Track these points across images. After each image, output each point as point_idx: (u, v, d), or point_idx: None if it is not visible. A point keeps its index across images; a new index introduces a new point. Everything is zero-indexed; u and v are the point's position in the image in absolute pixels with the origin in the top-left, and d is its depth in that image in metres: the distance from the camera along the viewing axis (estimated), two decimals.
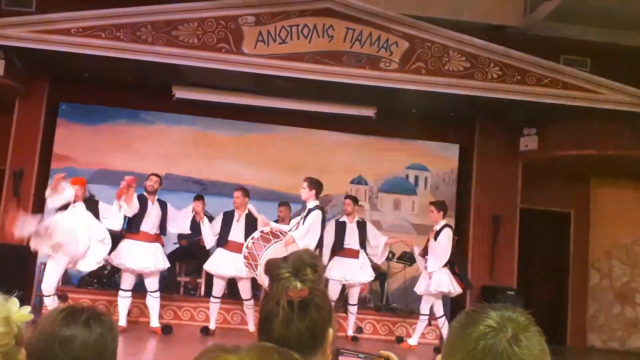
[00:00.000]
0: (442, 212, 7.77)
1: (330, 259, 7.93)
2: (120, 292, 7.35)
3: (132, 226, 7.31)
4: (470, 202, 9.84)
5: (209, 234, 7.57)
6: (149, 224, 7.33)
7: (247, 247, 6.78)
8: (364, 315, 8.67)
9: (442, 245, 7.63)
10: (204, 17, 8.33)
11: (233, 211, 7.73)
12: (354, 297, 8.08)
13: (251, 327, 7.67)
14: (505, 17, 9.56)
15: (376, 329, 8.65)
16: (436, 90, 8.69)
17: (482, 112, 9.68)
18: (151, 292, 7.41)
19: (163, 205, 7.52)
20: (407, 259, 9.14)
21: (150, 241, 7.34)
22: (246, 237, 7.32)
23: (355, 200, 8.41)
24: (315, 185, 7.22)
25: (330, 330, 1.50)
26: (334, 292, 7.77)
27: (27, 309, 1.18)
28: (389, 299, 9.18)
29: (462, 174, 10.17)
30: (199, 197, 8.45)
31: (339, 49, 8.59)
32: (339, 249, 7.96)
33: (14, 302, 1.17)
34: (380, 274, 9.17)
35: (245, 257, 6.81)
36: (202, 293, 8.65)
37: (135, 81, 9.21)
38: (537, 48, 9.03)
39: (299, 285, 1.43)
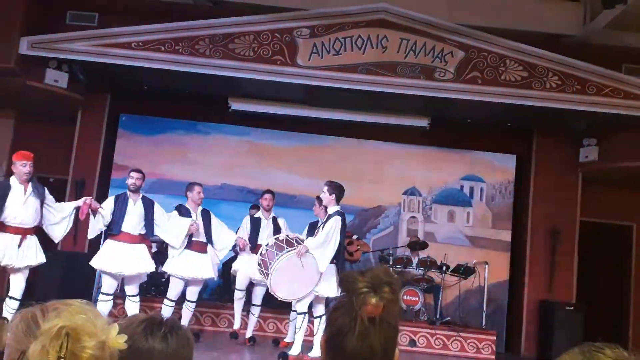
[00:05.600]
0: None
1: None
2: (101, 296, 6.76)
3: (112, 227, 6.74)
4: (527, 214, 9.64)
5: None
6: (131, 224, 6.75)
7: (261, 254, 6.68)
8: (418, 328, 8.58)
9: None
10: (260, 30, 8.45)
11: (188, 210, 7.21)
12: (258, 297, 7.77)
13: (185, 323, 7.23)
14: (563, 25, 9.34)
15: (430, 343, 8.53)
16: (492, 101, 8.57)
17: (540, 122, 9.50)
18: (131, 296, 6.84)
19: (149, 204, 6.93)
20: (462, 272, 9.01)
21: (133, 242, 6.75)
22: (206, 235, 7.17)
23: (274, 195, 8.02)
24: (336, 189, 6.71)
25: (397, 351, 1.49)
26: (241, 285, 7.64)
27: (124, 337, 1.20)
28: (443, 312, 9.05)
29: (519, 185, 9.98)
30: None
31: (393, 59, 8.58)
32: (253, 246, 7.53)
33: (115, 328, 1.19)
34: (434, 287, 9.07)
35: (258, 264, 6.71)
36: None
37: (192, 93, 9.41)
38: (596, 57, 8.80)
39: (376, 301, 1.42)
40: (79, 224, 7.04)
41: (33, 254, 6.28)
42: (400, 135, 9.88)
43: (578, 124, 9.05)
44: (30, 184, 6.33)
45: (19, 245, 6.18)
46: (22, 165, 6.26)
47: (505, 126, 9.72)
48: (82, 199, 6.63)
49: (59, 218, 6.51)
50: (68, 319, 1.14)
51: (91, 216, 6.66)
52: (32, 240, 6.30)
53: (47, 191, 6.50)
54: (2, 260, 6.14)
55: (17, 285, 6.24)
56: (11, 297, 6.21)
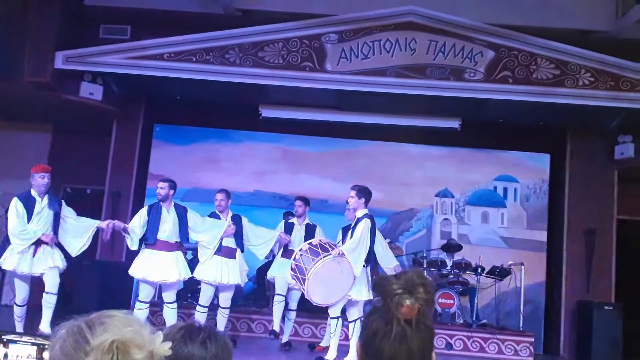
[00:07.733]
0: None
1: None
2: (137, 304, 6.88)
3: (148, 236, 6.84)
4: (563, 213, 9.50)
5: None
6: (166, 232, 6.86)
7: (294, 259, 6.66)
8: (454, 331, 8.52)
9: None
10: (289, 37, 8.52)
11: (218, 216, 7.35)
12: (293, 302, 7.76)
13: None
14: (594, 21, 9.20)
15: (467, 346, 8.46)
16: (524, 100, 8.49)
17: (573, 120, 9.36)
18: (168, 303, 6.94)
19: (182, 212, 7.03)
20: (497, 273, 8.92)
21: (169, 250, 6.86)
22: (236, 240, 7.23)
23: (306, 201, 8.04)
24: (365, 193, 6.75)
25: (434, 354, 1.50)
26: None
27: (169, 344, 1.25)
28: (479, 314, 8.96)
29: (553, 184, 9.85)
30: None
31: (422, 61, 8.55)
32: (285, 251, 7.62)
33: (159, 336, 1.24)
34: (470, 289, 9.00)
35: (292, 270, 6.67)
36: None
37: (223, 102, 9.52)
38: (629, 52, 8.64)
39: (411, 302, 1.43)
40: (116, 233, 7.18)
41: (48, 259, 6.57)
42: (431, 137, 9.85)
43: (612, 120, 8.90)
44: (46, 196, 6.67)
45: (34, 254, 6.52)
46: (41, 178, 6.60)
47: (538, 125, 9.60)
48: (106, 222, 6.84)
49: (77, 231, 6.74)
50: (116, 332, 1.19)
51: (125, 235, 6.88)
52: (47, 248, 6.58)
53: (64, 204, 6.83)
54: (17, 269, 6.50)
55: (51, 282, 6.60)
56: (48, 292, 6.58)
